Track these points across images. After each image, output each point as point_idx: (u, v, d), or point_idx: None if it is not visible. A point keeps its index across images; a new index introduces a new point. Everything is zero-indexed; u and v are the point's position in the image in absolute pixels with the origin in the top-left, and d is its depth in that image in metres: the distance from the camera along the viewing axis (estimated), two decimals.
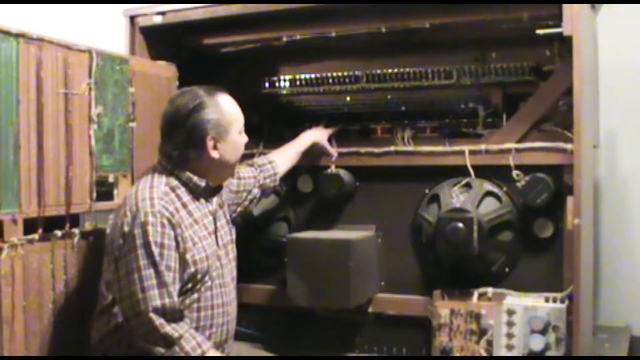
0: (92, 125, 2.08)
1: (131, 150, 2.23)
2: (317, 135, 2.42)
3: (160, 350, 1.77)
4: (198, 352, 1.78)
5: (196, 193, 1.94)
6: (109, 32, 2.56)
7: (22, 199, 1.86)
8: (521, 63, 2.25)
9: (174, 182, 1.91)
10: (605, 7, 2.36)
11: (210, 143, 1.90)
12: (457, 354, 2.18)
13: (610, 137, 2.67)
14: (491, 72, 2.29)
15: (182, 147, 1.90)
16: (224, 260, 1.99)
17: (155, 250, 1.78)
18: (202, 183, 1.93)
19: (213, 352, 1.83)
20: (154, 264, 1.78)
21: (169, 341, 1.77)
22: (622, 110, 2.63)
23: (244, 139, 2.01)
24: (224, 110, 1.93)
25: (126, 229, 1.81)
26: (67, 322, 2.00)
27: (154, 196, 1.84)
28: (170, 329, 1.77)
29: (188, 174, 1.92)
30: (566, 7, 1.95)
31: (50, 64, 1.94)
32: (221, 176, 2.02)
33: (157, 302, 1.76)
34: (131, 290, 1.78)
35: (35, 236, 1.90)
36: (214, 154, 1.91)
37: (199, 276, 1.88)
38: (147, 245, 1.78)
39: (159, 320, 1.76)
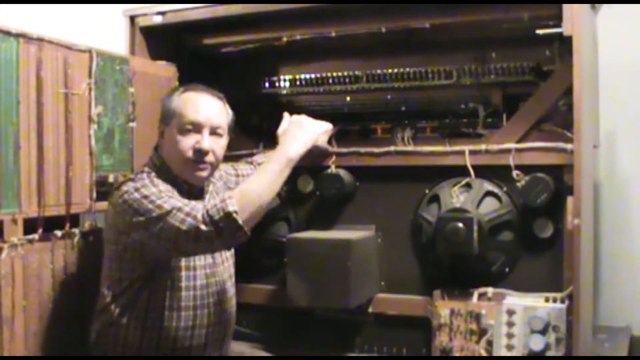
0: (92, 125, 2.08)
1: (131, 150, 2.23)
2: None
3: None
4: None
5: (181, 193, 1.93)
6: (109, 32, 2.55)
7: (22, 199, 1.86)
8: (521, 63, 2.25)
9: (162, 178, 1.92)
10: (605, 7, 2.36)
11: (159, 130, 1.97)
12: (457, 354, 2.18)
13: (610, 137, 2.67)
14: (491, 72, 2.29)
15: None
16: (218, 259, 1.99)
17: (155, 196, 1.80)
18: (185, 186, 1.95)
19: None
20: (160, 201, 1.79)
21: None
22: (622, 110, 2.64)
23: (195, 143, 1.90)
24: (175, 100, 1.93)
25: (121, 200, 1.83)
26: (67, 322, 2.01)
27: (144, 179, 1.88)
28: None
29: (174, 173, 1.93)
30: (566, 7, 1.95)
31: (50, 64, 1.94)
32: (177, 172, 1.95)
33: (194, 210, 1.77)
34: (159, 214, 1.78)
35: (35, 236, 1.90)
36: (161, 144, 1.96)
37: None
38: (146, 197, 1.80)
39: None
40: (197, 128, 1.90)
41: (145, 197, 1.80)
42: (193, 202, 1.80)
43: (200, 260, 1.97)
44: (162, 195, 1.80)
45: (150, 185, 1.84)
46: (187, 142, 1.90)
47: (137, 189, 1.82)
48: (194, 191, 1.97)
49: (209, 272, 1.95)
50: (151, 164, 1.95)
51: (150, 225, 1.78)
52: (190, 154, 1.90)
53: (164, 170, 1.92)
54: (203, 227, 1.72)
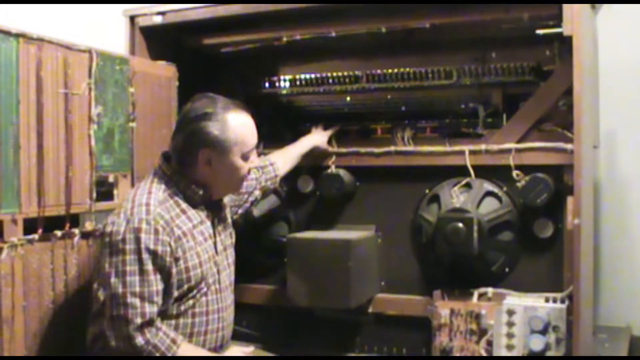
0: (92, 125, 2.08)
1: (131, 150, 2.23)
2: (317, 139, 2.42)
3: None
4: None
5: (194, 201, 1.91)
6: (109, 32, 2.55)
7: (22, 199, 1.86)
8: (521, 63, 2.25)
9: (173, 188, 1.88)
10: (605, 7, 2.36)
11: (203, 156, 1.86)
12: (457, 354, 2.18)
13: (610, 137, 2.67)
14: (491, 72, 2.29)
15: (179, 150, 1.89)
16: (221, 266, 1.97)
17: (145, 256, 1.76)
18: (200, 192, 1.90)
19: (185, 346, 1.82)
20: (142, 272, 1.76)
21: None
22: (622, 110, 2.63)
23: (250, 163, 1.93)
24: (230, 128, 1.86)
25: (120, 229, 1.78)
26: (67, 322, 2.01)
27: (151, 202, 1.82)
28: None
29: (185, 182, 1.89)
30: (566, 7, 1.95)
31: (50, 64, 1.94)
32: (219, 192, 1.96)
33: (138, 316, 1.74)
34: (115, 293, 1.76)
35: (35, 236, 1.90)
36: (205, 169, 1.88)
37: (193, 282, 1.86)
38: (138, 251, 1.76)
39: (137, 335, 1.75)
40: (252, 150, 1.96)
41: (123, 262, 1.76)
42: (147, 309, 1.75)
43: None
44: (135, 270, 1.76)
45: (151, 241, 1.77)
46: (247, 166, 1.93)
47: (137, 237, 1.76)
48: (206, 197, 1.96)
49: (211, 281, 1.94)
50: (160, 172, 1.91)
51: (103, 281, 1.80)
52: (246, 173, 1.95)
53: (174, 180, 1.90)
54: (125, 342, 1.74)
